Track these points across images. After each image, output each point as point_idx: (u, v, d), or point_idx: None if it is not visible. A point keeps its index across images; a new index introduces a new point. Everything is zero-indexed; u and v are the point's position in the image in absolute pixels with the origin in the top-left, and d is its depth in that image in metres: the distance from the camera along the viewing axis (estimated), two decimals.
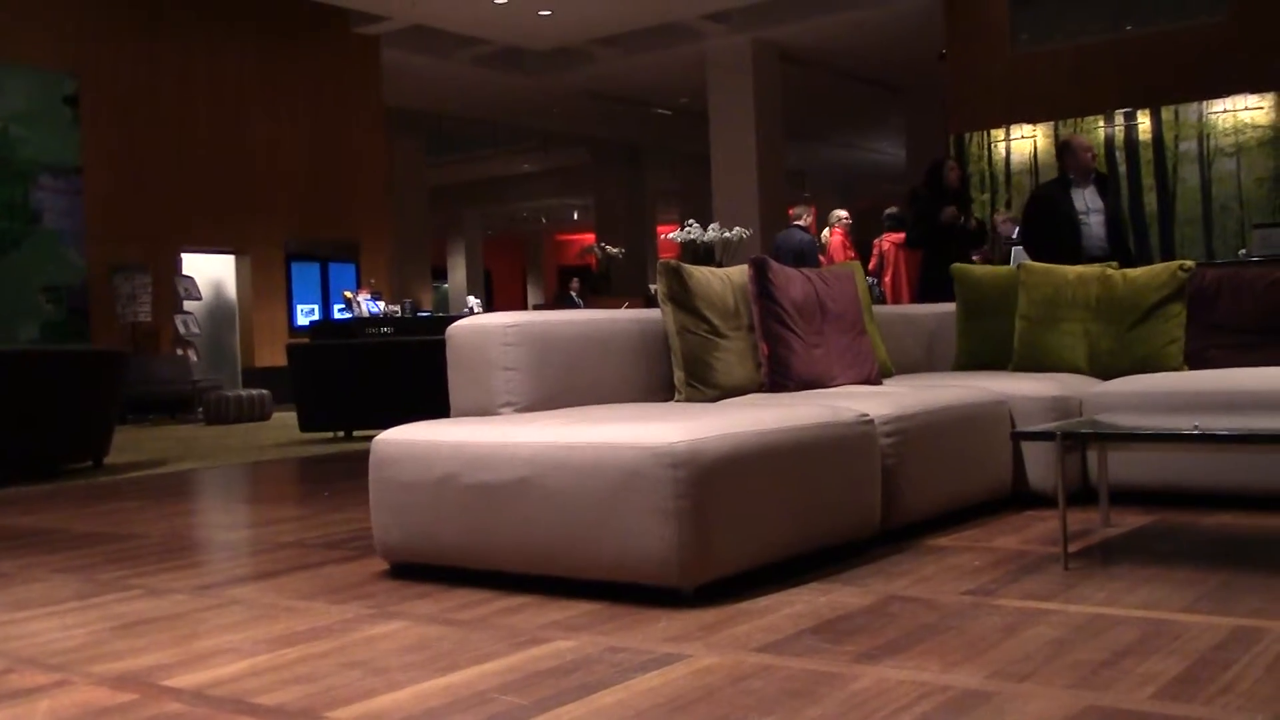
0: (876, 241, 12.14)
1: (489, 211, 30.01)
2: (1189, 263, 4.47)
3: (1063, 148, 7.39)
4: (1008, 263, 11.14)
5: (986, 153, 14.67)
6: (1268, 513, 3.65)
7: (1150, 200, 13.39)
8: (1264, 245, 9.42)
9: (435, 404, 3.99)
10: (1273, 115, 12.85)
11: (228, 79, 15.02)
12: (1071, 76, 14.02)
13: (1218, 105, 12.93)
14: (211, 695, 2.15)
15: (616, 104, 20.87)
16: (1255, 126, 12.82)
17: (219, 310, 15.55)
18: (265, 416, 11.83)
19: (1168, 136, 13.28)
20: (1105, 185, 7.40)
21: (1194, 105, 12.99)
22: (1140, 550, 3.22)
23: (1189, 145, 13.07)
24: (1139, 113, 13.52)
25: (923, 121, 19.56)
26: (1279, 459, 3.58)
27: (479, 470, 2.93)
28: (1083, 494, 3.88)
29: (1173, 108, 13.21)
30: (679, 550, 2.64)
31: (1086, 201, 7.19)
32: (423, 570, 3.15)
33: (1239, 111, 12.84)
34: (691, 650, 2.30)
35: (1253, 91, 12.66)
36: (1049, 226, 7.14)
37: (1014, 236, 12.33)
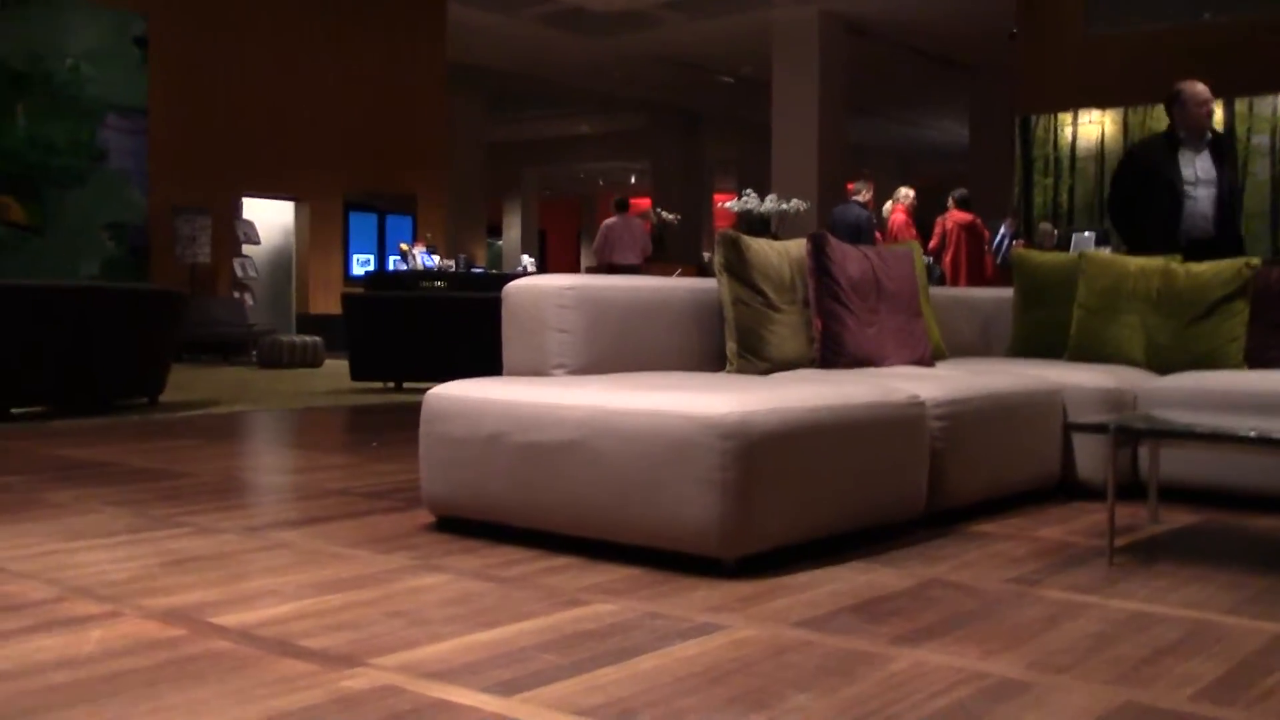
0: (940, 220, 12.02)
1: (547, 171, 30.02)
2: (1255, 260, 4.39)
3: (1172, 98, 5.96)
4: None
5: (1053, 136, 14.46)
6: None
7: None
8: None
9: (486, 361, 4.02)
10: None
11: (294, 28, 15.10)
12: (1144, 62, 13.73)
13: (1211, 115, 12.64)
14: (258, 635, 2.19)
15: (679, 69, 20.75)
16: None
17: (277, 256, 15.72)
18: (317, 363, 11.96)
19: (1240, 129, 13.02)
20: (1223, 150, 6.10)
21: (1269, 98, 12.71)
22: (1187, 549, 3.20)
23: (1261, 139, 12.81)
24: (1212, 102, 13.24)
25: (988, 101, 19.30)
26: None
27: (529, 430, 2.95)
28: (1132, 488, 3.84)
29: (1247, 99, 12.94)
30: (722, 521, 2.65)
31: (1196, 169, 5.88)
32: (468, 525, 3.18)
33: None
34: (730, 621, 2.32)
35: None
36: (1144, 194, 5.90)
37: (1054, 247, 12.19)
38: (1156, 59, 13.65)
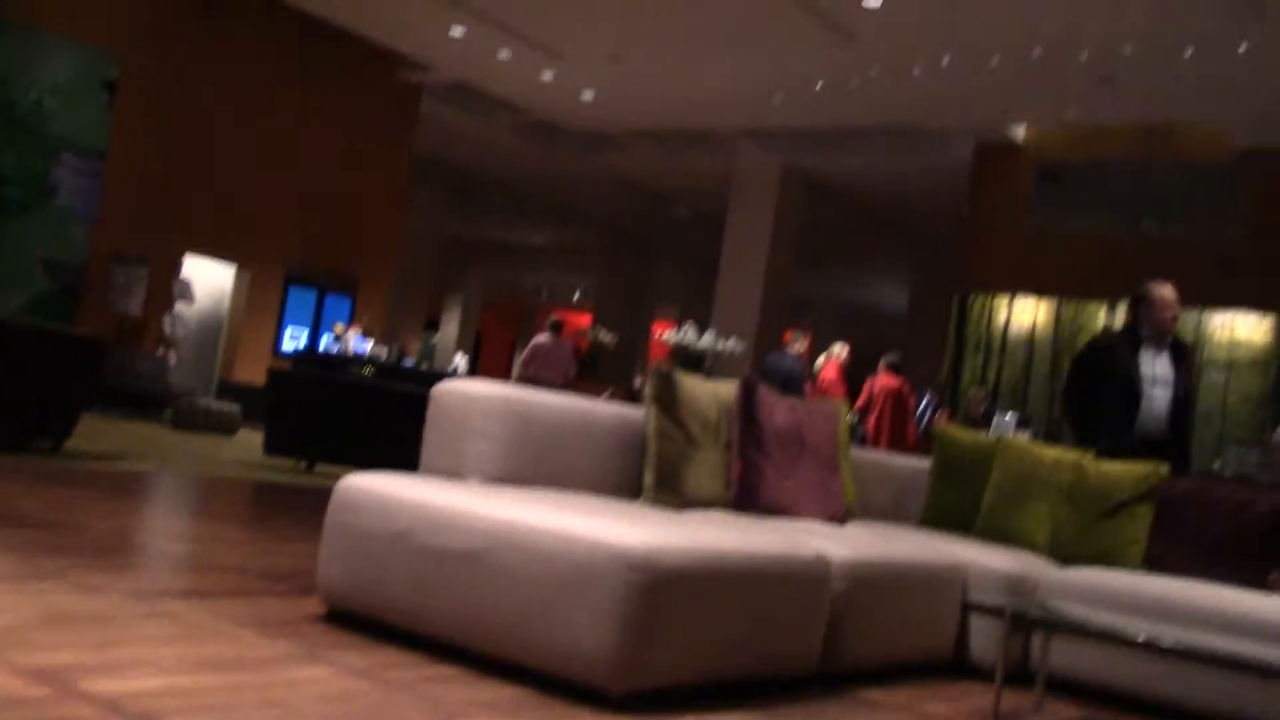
0: (870, 381, 12.24)
1: (494, 274, 30.18)
2: (1164, 468, 4.52)
3: (1139, 298, 6.00)
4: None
5: (987, 317, 14.87)
6: None
7: None
8: (1239, 463, 9.52)
9: (401, 455, 4.00)
10: (1269, 338, 13.08)
11: (266, 95, 15.19)
12: (1082, 260, 14.28)
13: (1218, 318, 13.17)
14: (124, 707, 2.13)
15: (639, 195, 21.15)
16: (1250, 346, 13.04)
17: (209, 318, 15.54)
18: (232, 431, 11.76)
19: None
20: (1182, 354, 6.08)
21: (1195, 313, 13.20)
22: None
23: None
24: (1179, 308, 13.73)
25: (931, 273, 19.84)
26: (1219, 679, 3.59)
27: (436, 533, 2.93)
28: (1021, 675, 3.87)
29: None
30: (616, 652, 2.64)
31: (1155, 368, 5.88)
32: (360, 620, 3.13)
33: (1237, 329, 13.07)
34: None
35: (1256, 309, 12.90)
36: (1102, 387, 5.85)
37: (983, 413, 12.48)
38: (1094, 259, 14.19)
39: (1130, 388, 5.81)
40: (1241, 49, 10.81)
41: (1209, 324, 13.22)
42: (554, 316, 14.25)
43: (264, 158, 15.22)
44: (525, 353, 13.64)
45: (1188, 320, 13.31)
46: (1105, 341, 6.27)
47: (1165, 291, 5.94)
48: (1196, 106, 12.76)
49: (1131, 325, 6.03)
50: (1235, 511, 4.43)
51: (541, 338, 13.63)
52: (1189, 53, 11.13)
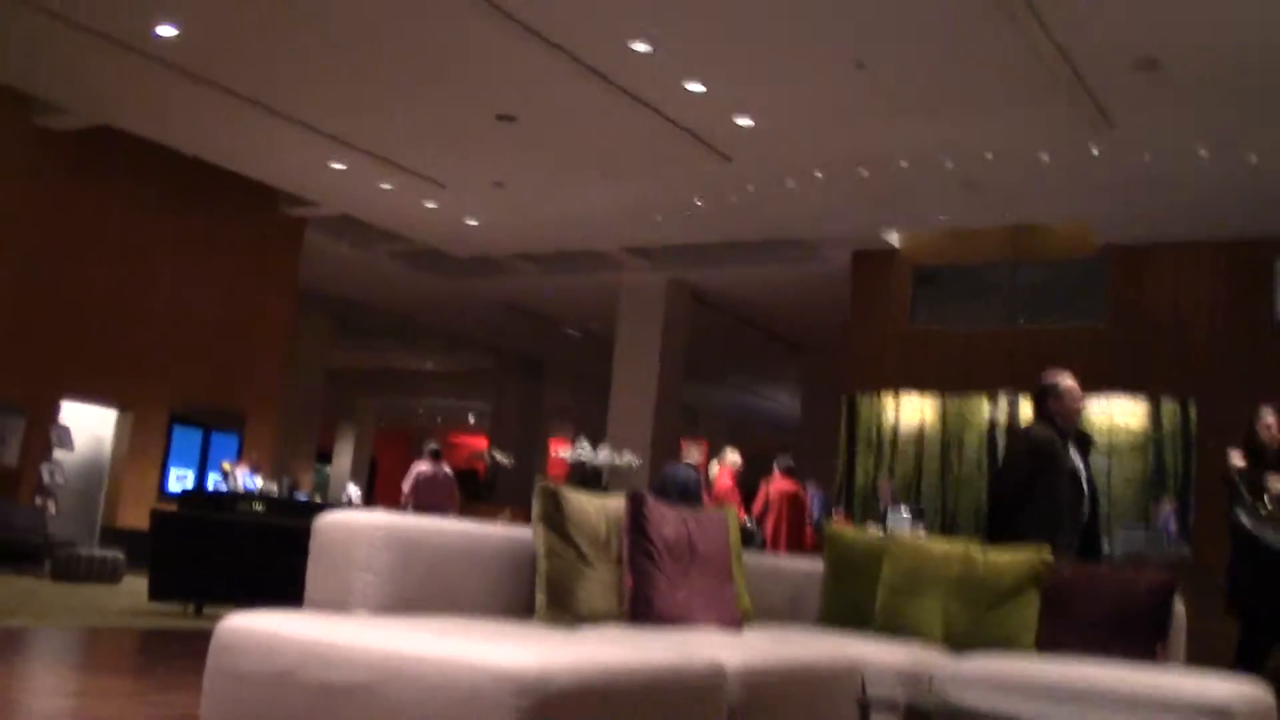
0: (764, 486, 12.33)
1: (385, 402, 29.93)
2: (1047, 555, 4.62)
3: (1048, 389, 5.89)
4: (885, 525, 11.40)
5: (876, 416, 15.16)
6: None
7: None
8: (1126, 544, 9.76)
9: (294, 589, 3.89)
10: (1145, 421, 13.55)
11: (141, 235, 15.01)
12: (962, 356, 14.71)
13: (1096, 404, 13.62)
14: None
15: (527, 318, 21.27)
16: (1128, 430, 13.49)
17: (91, 464, 15.08)
18: (116, 579, 11.35)
19: None
20: (1088, 446, 6.13)
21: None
22: None
23: None
24: (1021, 397, 14.16)
25: (819, 378, 20.23)
26: None
27: (320, 669, 2.84)
28: None
29: None
30: None
31: (1074, 460, 5.90)
32: None
33: (1115, 414, 13.52)
34: None
35: (1127, 394, 13.37)
36: (1042, 482, 5.71)
37: (891, 502, 12.67)
38: (974, 354, 14.63)
39: (1074, 477, 5.77)
40: (1094, 152, 11.39)
41: (1088, 410, 13.64)
42: (431, 444, 14.14)
43: (141, 299, 15.00)
44: (407, 482, 13.48)
45: None
46: (1046, 435, 5.88)
47: (1071, 381, 5.89)
48: (1057, 206, 13.38)
49: (1046, 420, 5.88)
50: (1120, 592, 4.53)
51: (422, 465, 13.49)
52: (1046, 157, 11.69)
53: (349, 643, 2.86)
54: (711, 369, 22.75)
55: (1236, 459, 6.38)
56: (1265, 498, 6.23)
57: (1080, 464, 5.92)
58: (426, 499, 13.20)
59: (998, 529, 5.72)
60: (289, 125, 12.76)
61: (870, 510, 14.38)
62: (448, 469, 13.84)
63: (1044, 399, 5.90)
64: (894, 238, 15.52)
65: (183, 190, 15.31)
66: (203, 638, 3.23)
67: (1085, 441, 6.09)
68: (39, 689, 4.66)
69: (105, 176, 14.55)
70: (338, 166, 14.11)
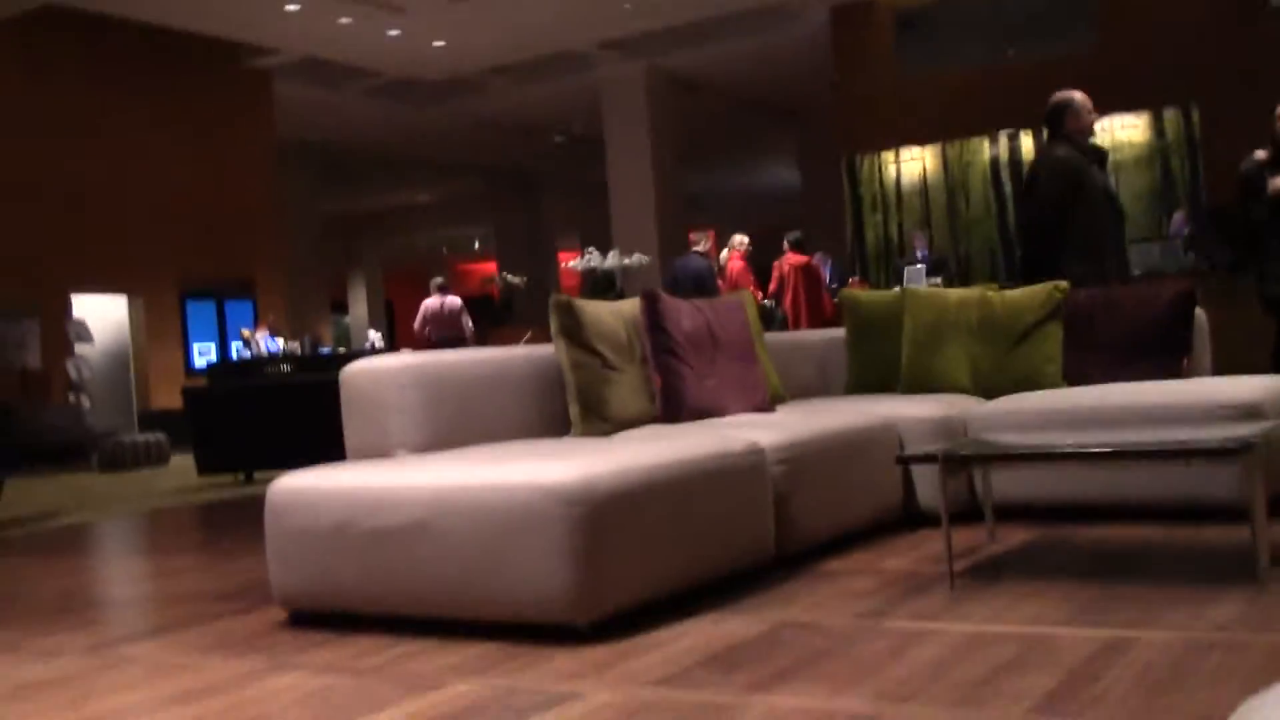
0: (777, 264, 12.32)
1: (389, 243, 29.78)
2: (1063, 284, 4.64)
3: (1062, 107, 5.67)
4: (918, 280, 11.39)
5: (878, 174, 15.00)
6: (1142, 523, 3.80)
7: None
8: (1141, 261, 9.74)
9: (337, 442, 3.97)
10: (1148, 134, 13.36)
11: (111, 115, 14.72)
12: (956, 99, 14.41)
13: (1097, 125, 13.40)
14: None
15: (511, 133, 20.92)
16: (1131, 144, 13.31)
17: (113, 353, 15.21)
18: (163, 461, 11.59)
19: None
20: (1104, 159, 5.95)
21: None
22: (1023, 566, 3.34)
23: None
24: (1022, 133, 13.95)
25: (816, 145, 19.91)
26: (1150, 472, 3.73)
27: (373, 515, 2.93)
28: (971, 511, 3.99)
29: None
30: (574, 587, 2.68)
31: (1103, 177, 5.72)
32: (322, 618, 3.13)
33: (1116, 130, 13.32)
34: (586, 688, 2.34)
35: (1126, 111, 13.14)
36: (1088, 203, 5.47)
37: (928, 253, 12.66)
38: (967, 95, 14.34)
39: (1112, 199, 5.61)
40: None
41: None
42: (437, 279, 14.31)
43: (126, 180, 14.81)
44: (418, 319, 13.69)
45: None
46: (1066, 157, 5.60)
47: (1081, 94, 5.71)
48: None
49: (1064, 139, 5.66)
50: (1139, 309, 4.56)
51: (430, 300, 13.65)
52: None
53: (396, 484, 2.94)
54: (709, 154, 22.44)
55: (1260, 154, 6.29)
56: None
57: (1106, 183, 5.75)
58: (438, 332, 13.39)
59: (1037, 263, 5.50)
60: None
61: (888, 269, 14.40)
62: (454, 299, 13.97)
63: (1060, 119, 5.69)
64: None
65: (141, 61, 14.94)
66: (258, 504, 3.32)
67: (1101, 155, 5.91)
68: (113, 578, 4.83)
69: (58, 59, 14.18)
70: (292, 7, 13.68)
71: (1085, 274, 5.20)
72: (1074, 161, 5.57)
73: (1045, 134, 5.84)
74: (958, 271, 13.22)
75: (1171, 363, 4.43)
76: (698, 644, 2.63)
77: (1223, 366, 4.83)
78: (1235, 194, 6.39)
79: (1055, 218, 5.50)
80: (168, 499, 7.83)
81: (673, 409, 3.87)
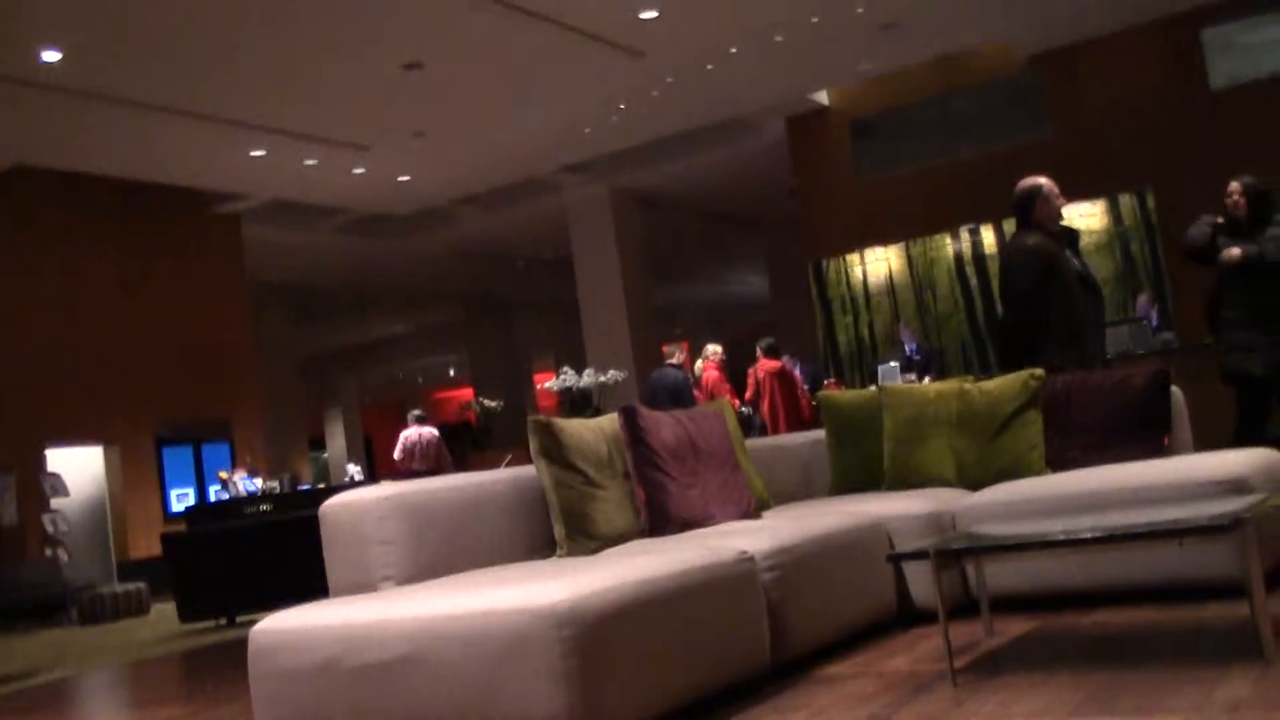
0: (751, 370, 12.37)
1: (365, 375, 29.81)
2: (1039, 371, 4.66)
3: (1032, 194, 5.70)
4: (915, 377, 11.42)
5: (844, 277, 15.18)
6: (1140, 606, 3.76)
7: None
8: (1111, 342, 9.80)
9: (321, 578, 3.90)
10: (1105, 219, 13.61)
11: (84, 269, 14.79)
12: (916, 199, 14.69)
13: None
14: None
15: (482, 260, 21.12)
16: (1091, 231, 13.53)
17: (90, 504, 15.01)
18: (144, 611, 11.37)
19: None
20: (1076, 241, 6.00)
21: None
22: (1024, 658, 3.28)
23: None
24: (982, 228, 14.18)
25: (782, 252, 20.19)
26: (1143, 554, 3.70)
27: (361, 651, 2.86)
28: (967, 605, 3.94)
29: (1013, 219, 13.85)
30: (570, 712, 2.60)
31: (1074, 261, 5.75)
32: None
33: (1075, 218, 13.55)
34: None
35: (1083, 199, 13.40)
36: (1062, 288, 5.51)
37: (914, 347, 12.71)
38: (927, 194, 14.62)
39: (1089, 284, 5.64)
40: None
41: None
42: (415, 411, 14.44)
43: (99, 332, 14.81)
44: (398, 450, 13.73)
45: None
46: (1037, 244, 5.63)
47: (1048, 180, 5.74)
48: (975, 29, 13.26)
49: (1034, 227, 5.69)
50: (1116, 391, 4.58)
51: (408, 431, 13.71)
52: None
53: (382, 617, 2.88)
54: (678, 268, 22.69)
55: (1208, 218, 6.40)
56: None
57: (1078, 263, 5.78)
58: (418, 464, 13.41)
59: (1017, 353, 5.51)
60: (200, 123, 12.52)
61: (862, 369, 14.48)
62: (432, 430, 14.01)
63: (1029, 206, 5.71)
64: (823, 96, 15.40)
65: (113, 212, 15.06)
66: (241, 646, 3.24)
67: (1073, 236, 5.93)
68: None
69: (31, 216, 14.28)
70: (257, 153, 13.87)
71: (1065, 361, 5.24)
72: (1045, 249, 5.59)
73: (1016, 223, 5.88)
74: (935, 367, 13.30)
75: (1153, 441, 4.43)
76: None
77: (1202, 443, 4.83)
78: (1183, 262, 6.40)
79: (1032, 308, 5.52)
80: (150, 649, 7.65)
81: (659, 522, 3.83)
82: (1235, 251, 6.25)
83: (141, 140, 12.80)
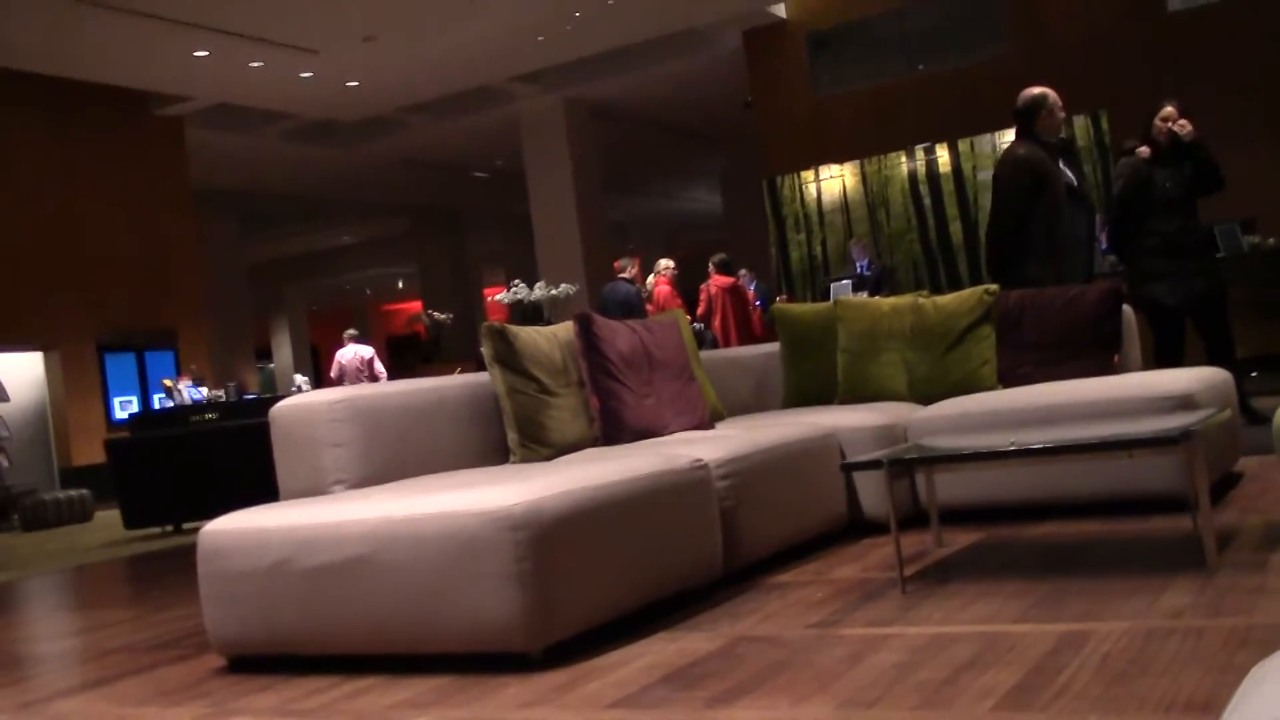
0: (704, 286, 12.36)
1: (312, 286, 29.45)
2: (994, 287, 4.67)
3: (1036, 105, 5.62)
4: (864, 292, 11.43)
5: (798, 194, 15.13)
6: (1087, 519, 3.82)
7: (956, 230, 14.02)
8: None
9: (267, 488, 3.87)
10: (1085, 139, 13.62)
11: (22, 168, 14.38)
12: (871, 116, 14.60)
13: (1009, 134, 13.64)
14: None
15: (433, 170, 20.81)
16: None
17: (30, 410, 14.78)
18: (88, 517, 11.27)
19: (966, 167, 13.94)
20: (1073, 153, 6.06)
21: (987, 136, 13.67)
22: (972, 567, 3.33)
23: (987, 174, 13.72)
24: (938, 146, 14.16)
25: (736, 168, 20.07)
26: (1092, 467, 3.75)
27: (313, 553, 2.84)
28: (916, 517, 3.99)
29: (968, 139, 13.88)
30: (524, 614, 2.61)
31: (1067, 173, 5.72)
32: (263, 662, 3.03)
33: None
34: (544, 714, 2.27)
35: None
36: (1049, 201, 5.53)
37: (866, 263, 12.70)
38: (882, 111, 14.53)
39: (1079, 197, 5.61)
40: None
41: (1002, 143, 13.65)
42: (350, 330, 14.42)
43: (39, 234, 14.46)
44: (333, 367, 13.71)
45: (983, 145, 13.77)
46: (1034, 153, 5.60)
47: (1053, 92, 5.65)
48: None
49: (1031, 138, 5.65)
50: (1068, 308, 4.61)
51: (342, 350, 13.71)
52: None
53: (335, 519, 2.86)
54: (632, 182, 22.50)
55: (1142, 150, 6.22)
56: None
57: (1072, 175, 5.73)
58: (349, 375, 13.38)
59: (1003, 266, 5.53)
60: (140, 20, 12.13)
61: (814, 287, 14.50)
62: (366, 348, 13.97)
63: (1033, 117, 5.63)
64: (780, 8, 15.20)
65: (52, 114, 14.62)
66: (189, 554, 3.21)
67: (1066, 147, 5.82)
68: (41, 635, 4.65)
69: None
70: (201, 54, 13.49)
71: (1040, 275, 5.26)
72: (1035, 160, 5.55)
73: (1015, 131, 5.80)
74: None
75: (1103, 359, 4.48)
76: (654, 663, 2.58)
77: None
78: (1121, 187, 6.23)
79: (1013, 218, 5.52)
80: (94, 554, 7.59)
81: (613, 430, 3.82)
82: (1189, 126, 6.05)
83: (78, 36, 12.39)
